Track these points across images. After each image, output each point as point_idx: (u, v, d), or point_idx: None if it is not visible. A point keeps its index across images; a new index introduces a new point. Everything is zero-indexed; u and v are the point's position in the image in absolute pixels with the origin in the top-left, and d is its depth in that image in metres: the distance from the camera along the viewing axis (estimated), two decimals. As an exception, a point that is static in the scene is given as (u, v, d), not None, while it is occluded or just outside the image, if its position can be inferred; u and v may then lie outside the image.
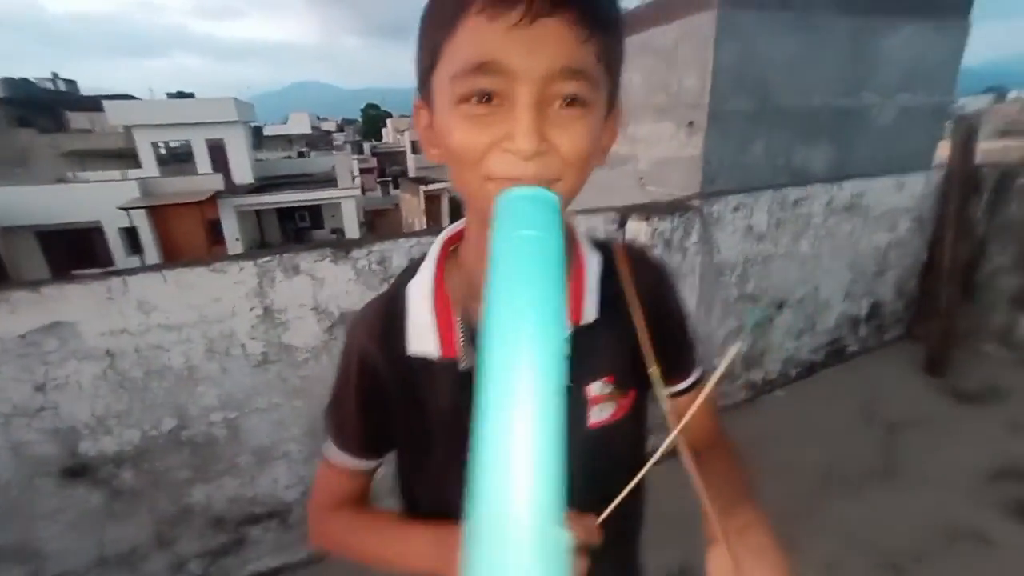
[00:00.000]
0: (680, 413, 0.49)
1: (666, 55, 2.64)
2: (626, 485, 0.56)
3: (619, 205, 2.12)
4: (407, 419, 0.53)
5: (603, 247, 0.55)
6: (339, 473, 0.58)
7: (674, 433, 0.42)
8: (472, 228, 0.50)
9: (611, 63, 0.40)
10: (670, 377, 0.52)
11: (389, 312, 0.52)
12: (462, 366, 0.49)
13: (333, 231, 18.29)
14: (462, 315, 0.50)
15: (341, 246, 1.56)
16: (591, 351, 0.50)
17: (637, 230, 1.99)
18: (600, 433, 0.53)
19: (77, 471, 1.40)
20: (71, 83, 30.91)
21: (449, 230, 0.54)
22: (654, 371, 0.49)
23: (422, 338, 0.50)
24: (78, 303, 1.32)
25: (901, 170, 2.87)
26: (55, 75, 30.89)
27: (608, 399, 0.52)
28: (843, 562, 1.73)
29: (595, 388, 0.52)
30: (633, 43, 2.90)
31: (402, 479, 0.60)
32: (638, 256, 0.57)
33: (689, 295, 2.09)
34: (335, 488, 0.59)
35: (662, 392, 0.49)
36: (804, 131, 2.74)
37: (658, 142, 2.85)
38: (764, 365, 2.74)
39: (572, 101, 0.38)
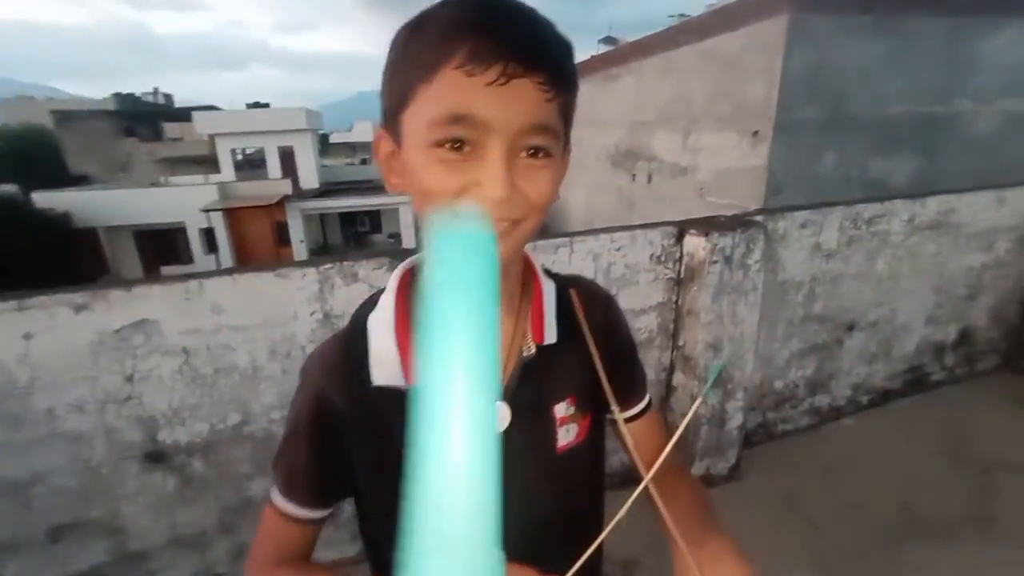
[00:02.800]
0: (635, 438, 0.54)
1: (730, 63, 2.54)
2: (588, 509, 0.60)
3: (678, 219, 2.05)
4: (370, 454, 0.52)
5: (556, 278, 0.58)
6: (286, 524, 0.55)
7: (644, 482, 0.43)
8: None
9: (568, 114, 0.45)
10: (622, 403, 0.55)
11: (349, 348, 0.52)
12: None
13: (391, 235, 19.00)
14: None
15: (397, 255, 1.61)
16: (555, 371, 0.53)
17: (696, 245, 1.91)
18: (567, 455, 0.54)
19: (156, 457, 1.52)
20: (168, 96, 34.31)
21: (406, 263, 0.55)
22: (610, 394, 0.52)
23: (387, 369, 0.50)
24: (162, 303, 1.44)
25: (1002, 183, 2.59)
26: (156, 89, 34.55)
27: (571, 420, 0.54)
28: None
29: (560, 409, 0.54)
30: (695, 51, 2.82)
31: (365, 523, 0.58)
32: (588, 288, 0.60)
33: (750, 314, 1.99)
34: (280, 540, 0.56)
35: (620, 415, 0.54)
36: (882, 141, 2.54)
37: (720, 152, 2.74)
38: (831, 390, 2.54)
39: (536, 151, 0.41)
